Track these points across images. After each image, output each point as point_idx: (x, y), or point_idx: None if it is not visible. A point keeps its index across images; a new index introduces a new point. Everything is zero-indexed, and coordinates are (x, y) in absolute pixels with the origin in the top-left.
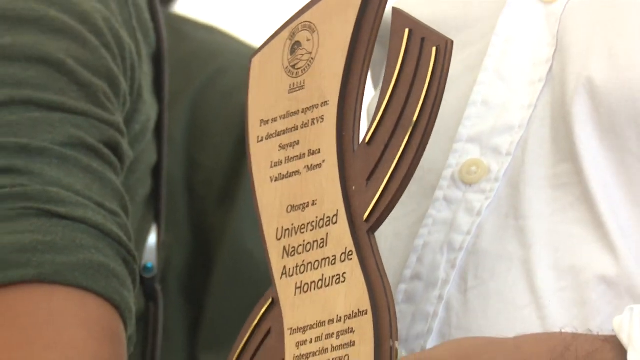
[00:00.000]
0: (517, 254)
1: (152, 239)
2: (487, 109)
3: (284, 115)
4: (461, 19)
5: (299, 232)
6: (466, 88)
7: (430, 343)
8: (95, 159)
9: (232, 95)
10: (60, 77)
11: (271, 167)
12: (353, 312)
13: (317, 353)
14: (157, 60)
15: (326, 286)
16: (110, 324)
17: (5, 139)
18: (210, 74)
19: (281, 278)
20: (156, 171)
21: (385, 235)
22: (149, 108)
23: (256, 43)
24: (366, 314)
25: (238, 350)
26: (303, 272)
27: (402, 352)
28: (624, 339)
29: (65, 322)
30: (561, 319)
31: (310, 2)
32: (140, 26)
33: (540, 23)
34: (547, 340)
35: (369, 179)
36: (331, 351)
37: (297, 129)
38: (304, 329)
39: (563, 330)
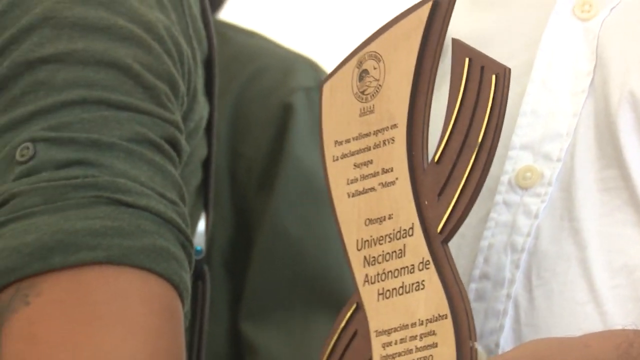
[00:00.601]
0: (574, 254)
1: (201, 225)
2: (536, 117)
3: (357, 137)
4: (505, 34)
5: (378, 244)
6: (516, 98)
7: (503, 339)
8: (158, 153)
9: (271, 93)
10: (128, 80)
11: (347, 184)
12: (433, 316)
13: (403, 353)
14: (209, 64)
15: (407, 292)
16: (169, 301)
17: (78, 134)
18: (250, 74)
19: (364, 285)
20: (206, 164)
21: (455, 244)
22: (202, 108)
23: (292, 44)
24: (446, 318)
25: (327, 351)
26: (384, 280)
27: (479, 348)
28: None
29: (129, 299)
30: (618, 314)
31: (375, 33)
32: (195, 35)
33: (579, 39)
34: (612, 337)
35: (440, 194)
36: (415, 352)
37: (369, 149)
38: (388, 332)
39: (625, 328)
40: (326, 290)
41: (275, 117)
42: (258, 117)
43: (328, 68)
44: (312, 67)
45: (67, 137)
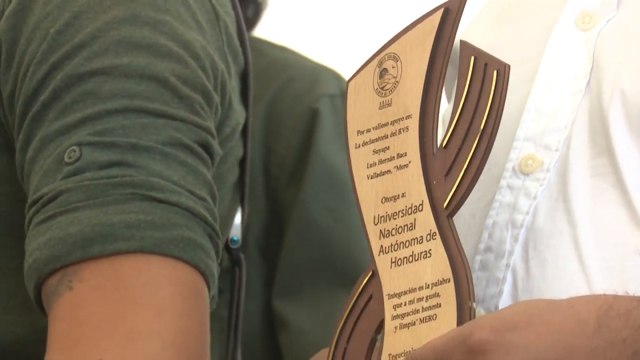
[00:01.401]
0: (567, 230)
1: (237, 218)
2: (540, 114)
3: (376, 126)
4: (517, 44)
5: (392, 219)
6: (522, 97)
7: (502, 302)
8: (190, 155)
9: (299, 98)
10: (165, 91)
11: (367, 167)
12: (438, 280)
13: (411, 313)
14: (245, 76)
15: (416, 260)
16: (195, 285)
17: (119, 138)
18: (282, 82)
19: (379, 255)
20: (242, 163)
21: (464, 217)
22: (238, 114)
23: (318, 56)
24: (449, 281)
25: (347, 311)
26: (397, 250)
27: (480, 311)
28: None
29: (159, 284)
30: (603, 283)
31: (394, 37)
32: (230, 51)
33: (579, 46)
34: (594, 300)
35: (446, 175)
36: (422, 312)
37: (387, 137)
38: (399, 295)
39: (606, 293)
40: (349, 272)
41: (303, 120)
42: (289, 120)
43: (348, 76)
44: (335, 77)
45: (109, 141)
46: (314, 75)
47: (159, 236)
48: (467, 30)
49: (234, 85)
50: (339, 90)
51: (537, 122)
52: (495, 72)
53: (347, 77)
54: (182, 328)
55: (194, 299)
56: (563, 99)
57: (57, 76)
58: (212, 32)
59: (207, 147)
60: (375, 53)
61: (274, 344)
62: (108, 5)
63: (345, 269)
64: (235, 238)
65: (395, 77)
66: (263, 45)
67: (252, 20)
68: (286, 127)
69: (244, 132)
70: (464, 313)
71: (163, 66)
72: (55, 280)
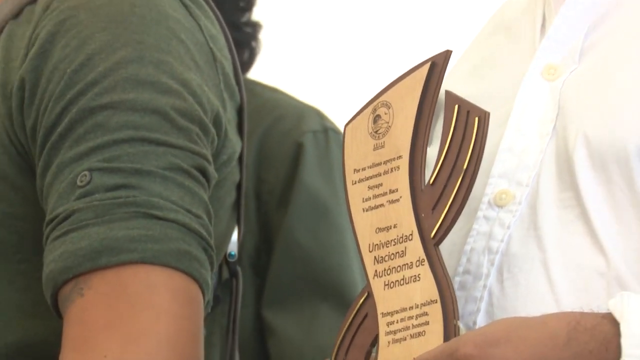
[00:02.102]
0: (537, 255)
1: (234, 235)
2: (512, 154)
3: (371, 165)
4: (489, 93)
5: (385, 247)
6: (496, 139)
7: (479, 319)
8: (188, 178)
9: (287, 134)
10: (166, 123)
11: (363, 201)
12: (427, 301)
13: (402, 330)
14: (240, 111)
15: (406, 283)
16: (190, 292)
17: (125, 164)
18: (272, 120)
19: (374, 278)
20: (239, 187)
21: (446, 244)
22: (235, 144)
23: (303, 96)
24: (436, 302)
25: (345, 328)
26: (389, 274)
27: (460, 326)
28: (617, 316)
29: (158, 290)
30: (571, 302)
31: (387, 86)
32: (226, 88)
33: (546, 94)
34: (564, 317)
35: (433, 209)
36: (412, 328)
37: (380, 175)
38: (391, 313)
39: (573, 310)
40: (328, 285)
41: (290, 153)
42: (277, 153)
43: (332, 114)
44: (318, 115)
45: (115, 167)
46: (299, 114)
47: (158, 249)
48: (445, 82)
49: (230, 118)
50: (322, 126)
51: (510, 161)
52: (476, 118)
53: (329, 115)
54: (178, 329)
55: (189, 303)
56: (532, 140)
57: (72, 110)
58: (209, 71)
59: (203, 171)
60: (370, 100)
61: (263, 347)
62: (118, 47)
63: (325, 282)
64: (232, 253)
65: (388, 122)
66: (256, 87)
67: (247, 63)
68: (275, 159)
69: (240, 159)
70: (450, 330)
71: (164, 101)
72: (69, 288)
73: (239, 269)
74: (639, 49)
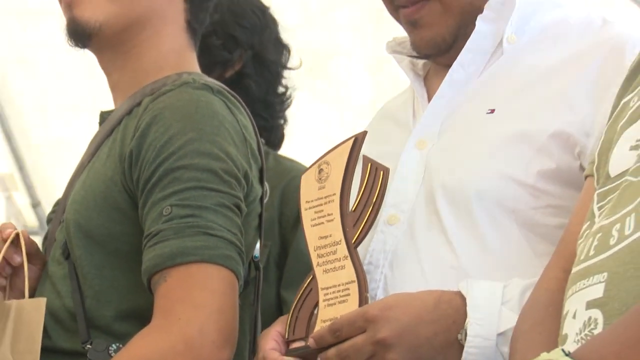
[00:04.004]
0: (414, 255)
1: (258, 245)
2: (398, 192)
3: (316, 199)
4: (386, 153)
5: (324, 248)
6: (389, 184)
7: (379, 293)
8: (229, 211)
9: (297, 187)
10: (216, 178)
11: (311, 220)
12: (349, 281)
13: (333, 299)
14: (261, 170)
15: (336, 270)
16: (231, 279)
17: (192, 202)
18: (289, 178)
19: (316, 267)
20: (260, 216)
21: (360, 247)
22: (257, 190)
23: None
24: (354, 282)
25: (298, 296)
26: (326, 265)
27: (368, 298)
28: (464, 292)
29: (211, 279)
30: (434, 284)
31: (326, 152)
32: (252, 157)
33: (418, 158)
34: (431, 293)
35: (354, 225)
36: (339, 298)
37: (322, 205)
38: (327, 288)
39: (438, 289)
40: None
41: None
42: (291, 198)
43: None
44: None
45: (186, 204)
46: None
47: (212, 253)
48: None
49: (254, 175)
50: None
51: (397, 196)
52: (381, 172)
53: None
54: (223, 302)
55: (230, 286)
56: (410, 185)
57: (160, 169)
58: (242, 147)
59: (238, 207)
60: (317, 160)
61: (281, 313)
62: (187, 132)
63: None
64: (256, 255)
65: (327, 173)
66: (281, 158)
67: (278, 144)
68: (290, 202)
69: (261, 199)
70: (362, 299)
71: (215, 164)
72: (157, 277)
73: (260, 266)
74: (471, 132)
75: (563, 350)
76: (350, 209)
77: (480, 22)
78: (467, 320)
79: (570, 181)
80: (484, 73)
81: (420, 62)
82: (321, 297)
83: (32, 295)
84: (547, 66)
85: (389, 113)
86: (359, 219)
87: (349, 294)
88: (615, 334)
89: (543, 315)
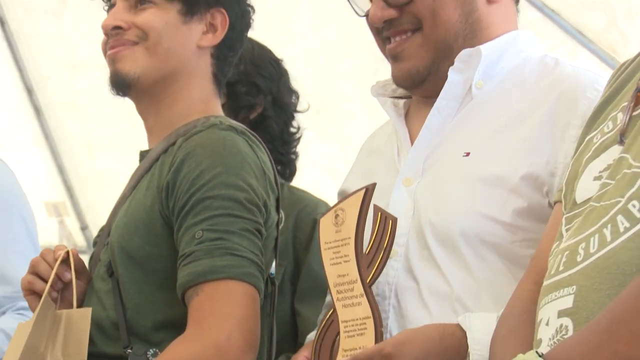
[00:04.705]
0: (414, 287)
1: (274, 263)
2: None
3: (334, 241)
4: (374, 194)
5: (342, 285)
6: None
7: (390, 322)
8: (252, 235)
9: (309, 214)
10: (241, 207)
11: (330, 259)
12: (365, 316)
13: (352, 331)
14: (277, 200)
15: (354, 306)
16: (253, 294)
17: (220, 227)
18: (302, 206)
19: (336, 301)
20: (276, 239)
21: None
22: (274, 217)
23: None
24: (370, 318)
25: (321, 326)
26: (345, 300)
27: (383, 332)
28: (464, 326)
29: (236, 293)
30: (439, 317)
31: (341, 199)
32: (270, 188)
33: (406, 195)
34: (436, 327)
35: (368, 267)
36: (357, 330)
37: (339, 246)
38: (346, 321)
39: (441, 322)
40: (325, 291)
41: (310, 224)
42: (304, 224)
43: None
44: (325, 205)
45: (215, 229)
46: (316, 204)
47: (237, 272)
48: (346, 181)
49: (272, 204)
50: (327, 210)
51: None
52: (390, 221)
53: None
54: (246, 313)
55: (253, 300)
56: (402, 221)
57: (192, 199)
58: (261, 179)
59: (259, 231)
60: (333, 206)
61: (295, 324)
62: (215, 166)
63: (324, 290)
64: (272, 273)
65: (343, 219)
66: (293, 189)
67: (290, 177)
68: (303, 227)
69: (277, 225)
70: (378, 333)
71: (240, 195)
72: (191, 292)
73: (276, 282)
74: (451, 173)
75: (537, 352)
76: (365, 251)
77: (451, 72)
78: (469, 351)
79: (541, 217)
80: (457, 116)
81: (401, 101)
82: (342, 329)
83: (79, 307)
84: (513, 112)
85: (375, 148)
86: (372, 261)
87: (366, 328)
88: (581, 339)
89: (518, 322)
